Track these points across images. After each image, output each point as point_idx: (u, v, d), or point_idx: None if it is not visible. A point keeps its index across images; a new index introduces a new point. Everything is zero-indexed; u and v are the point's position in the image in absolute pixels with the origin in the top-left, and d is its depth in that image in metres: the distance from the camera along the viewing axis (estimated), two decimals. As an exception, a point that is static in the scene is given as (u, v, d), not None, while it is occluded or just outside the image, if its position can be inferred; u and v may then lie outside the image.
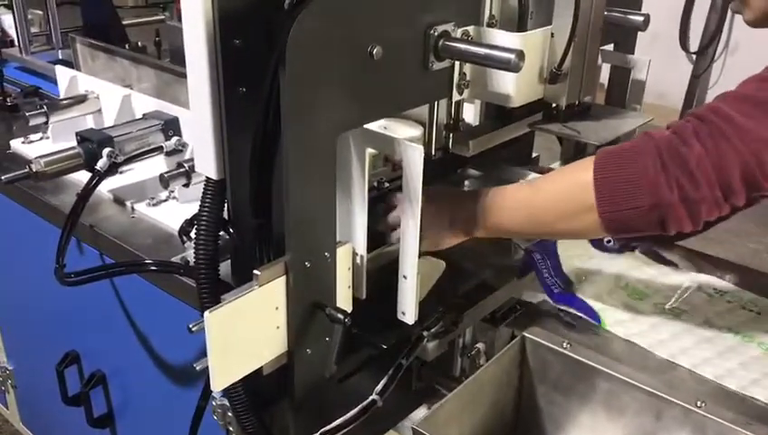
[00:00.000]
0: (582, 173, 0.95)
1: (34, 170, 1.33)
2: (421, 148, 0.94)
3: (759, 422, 0.93)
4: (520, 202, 1.02)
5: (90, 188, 1.33)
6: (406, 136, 1.36)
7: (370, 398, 1.01)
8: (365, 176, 1.00)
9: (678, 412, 0.95)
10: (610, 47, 1.49)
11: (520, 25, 1.09)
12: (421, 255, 1.15)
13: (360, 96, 0.94)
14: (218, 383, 0.92)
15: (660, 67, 4.81)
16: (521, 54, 0.95)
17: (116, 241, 1.32)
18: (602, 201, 0.91)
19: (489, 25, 1.08)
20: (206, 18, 0.92)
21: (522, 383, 1.09)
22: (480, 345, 1.31)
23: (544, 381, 1.07)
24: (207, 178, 1.02)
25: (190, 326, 0.91)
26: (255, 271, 0.93)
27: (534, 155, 1.64)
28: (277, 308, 0.96)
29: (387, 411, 1.09)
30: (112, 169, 1.38)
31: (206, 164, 1.00)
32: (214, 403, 1.16)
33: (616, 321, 1.15)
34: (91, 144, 1.37)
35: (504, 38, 1.04)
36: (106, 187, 1.50)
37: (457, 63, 1.07)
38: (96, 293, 1.39)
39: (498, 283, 1.19)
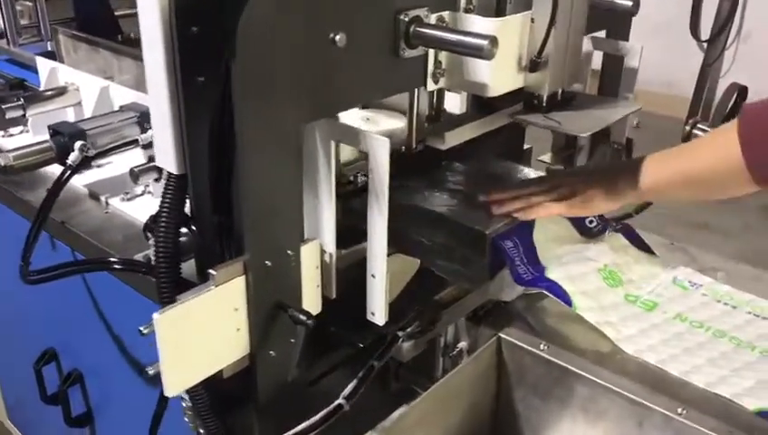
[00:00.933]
0: (730, 133, 0.97)
1: (3, 164, 1.29)
2: (387, 141, 0.89)
3: (740, 430, 0.88)
4: (675, 169, 1.05)
5: (60, 183, 1.29)
6: (388, 127, 1.31)
7: (336, 402, 0.96)
8: (332, 170, 0.95)
9: (659, 419, 0.90)
10: (603, 34, 1.44)
11: (498, 11, 1.04)
12: (392, 253, 1.11)
13: (324, 86, 0.89)
14: (171, 389, 0.88)
15: (670, 56, 4.72)
16: (494, 41, 0.90)
17: (85, 237, 1.28)
18: (751, 156, 0.94)
19: (466, 11, 1.03)
20: (162, 3, 0.87)
21: (499, 386, 1.04)
22: (462, 345, 1.26)
23: (522, 385, 1.02)
24: (169, 173, 0.97)
25: (141, 329, 0.86)
26: (211, 270, 0.88)
27: (527, 147, 1.59)
28: (236, 309, 0.91)
29: (365, 413, 1.04)
30: (85, 162, 1.34)
31: (166, 158, 0.96)
32: (184, 404, 1.12)
33: (588, 306, 1.10)
34: (63, 137, 1.33)
35: (480, 24, 0.99)
36: (82, 181, 1.47)
37: (432, 51, 1.02)
38: (70, 290, 1.36)
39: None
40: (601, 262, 1.18)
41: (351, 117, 1.48)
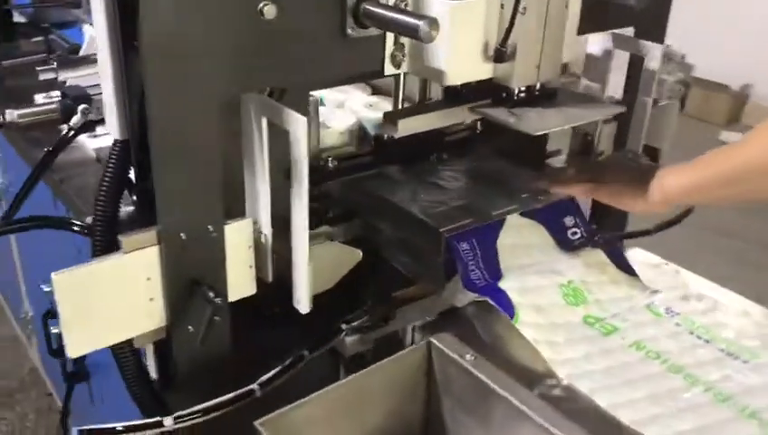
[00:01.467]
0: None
1: (7, 120, 1.34)
2: (304, 119, 0.85)
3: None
4: (706, 172, 1.00)
5: (60, 143, 1.33)
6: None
7: (249, 387, 0.93)
8: (264, 148, 0.92)
9: None
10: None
11: (468, -6, 0.97)
12: (333, 239, 1.07)
13: (251, 58, 0.86)
14: (73, 350, 0.88)
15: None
16: (432, 22, 0.83)
17: (72, 196, 1.32)
18: None
19: (431, -9, 0.96)
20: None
21: (429, 394, 0.97)
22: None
23: (449, 395, 0.95)
24: (115, 139, 0.98)
25: (43, 287, 0.87)
26: (120, 236, 0.88)
27: (556, 148, 1.47)
28: (149, 279, 0.90)
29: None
30: (88, 126, 1.38)
31: (111, 122, 0.96)
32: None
33: (532, 322, 1.00)
34: (68, 100, 1.37)
35: (436, 6, 0.92)
36: (93, 145, 1.51)
37: (391, 33, 0.96)
38: (59, 247, 1.40)
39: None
40: (567, 277, 1.09)
41: (356, 103, 1.45)
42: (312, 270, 0.93)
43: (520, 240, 1.09)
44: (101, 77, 0.94)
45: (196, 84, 0.83)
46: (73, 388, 1.65)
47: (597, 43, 1.31)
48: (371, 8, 0.89)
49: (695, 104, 4.78)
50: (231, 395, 0.92)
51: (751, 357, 0.99)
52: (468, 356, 0.92)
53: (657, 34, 1.32)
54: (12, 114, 1.35)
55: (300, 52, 0.90)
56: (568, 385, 0.91)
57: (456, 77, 0.96)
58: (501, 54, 0.95)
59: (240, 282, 0.98)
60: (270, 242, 0.98)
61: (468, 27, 0.93)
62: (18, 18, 2.45)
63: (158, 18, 0.78)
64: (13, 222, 1.14)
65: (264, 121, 0.90)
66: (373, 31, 0.93)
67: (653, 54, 1.23)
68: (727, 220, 3.43)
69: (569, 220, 1.17)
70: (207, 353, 0.97)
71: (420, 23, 0.83)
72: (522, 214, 1.12)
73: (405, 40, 0.97)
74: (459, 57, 0.94)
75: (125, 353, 1.00)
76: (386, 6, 0.89)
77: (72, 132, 1.36)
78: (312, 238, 1.01)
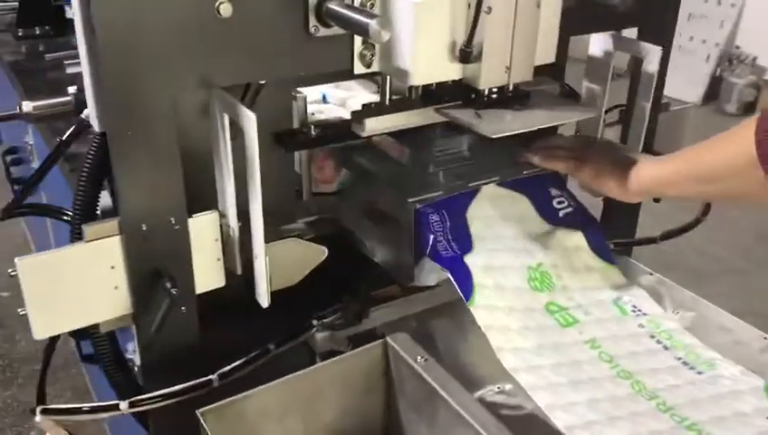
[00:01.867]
0: (744, 131, 0.91)
1: (24, 111, 1.41)
2: (254, 116, 0.86)
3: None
4: (681, 166, 1.01)
5: (72, 135, 1.39)
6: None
7: (208, 377, 0.96)
8: (227, 142, 0.94)
9: None
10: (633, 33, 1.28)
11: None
12: (299, 236, 1.08)
13: (208, 58, 0.88)
14: (39, 332, 0.92)
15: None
16: (383, 22, 0.84)
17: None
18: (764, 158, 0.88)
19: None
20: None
21: (388, 394, 0.97)
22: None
23: (404, 395, 0.95)
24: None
25: (9, 271, 0.91)
26: (84, 225, 0.91)
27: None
28: (113, 268, 0.93)
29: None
30: (99, 119, 1.43)
31: (92, 114, 1.00)
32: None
33: (488, 305, 0.97)
34: (82, 93, 1.43)
35: (401, 4, 0.92)
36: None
37: (358, 31, 0.96)
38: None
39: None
40: (537, 259, 1.05)
41: (359, 101, 1.45)
42: (269, 265, 0.95)
43: (498, 211, 1.07)
44: (83, 69, 0.98)
45: (153, 78, 0.85)
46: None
47: (597, 44, 1.28)
48: (333, 7, 0.90)
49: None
50: (189, 384, 0.95)
51: (707, 368, 0.95)
52: (419, 358, 0.92)
53: (664, 36, 1.27)
54: (28, 105, 1.42)
55: (261, 50, 0.91)
56: (511, 390, 0.90)
57: (421, 77, 0.95)
58: (466, 55, 0.94)
59: (208, 274, 1.00)
60: (237, 235, 1.00)
61: (434, 26, 0.92)
62: (71, 14, 2.57)
63: (112, 10, 0.81)
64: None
65: (226, 117, 0.92)
66: (338, 30, 0.94)
67: (652, 57, 1.18)
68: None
69: (554, 191, 1.15)
70: (174, 343, 1.00)
71: (371, 22, 0.83)
72: (504, 185, 1.11)
73: (374, 39, 0.98)
74: (425, 57, 0.94)
75: (101, 340, 1.05)
76: (345, 5, 0.90)
77: (84, 124, 1.42)
78: (282, 234, 1.03)
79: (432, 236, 1.02)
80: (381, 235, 1.12)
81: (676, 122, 1.37)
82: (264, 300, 0.98)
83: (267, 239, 0.95)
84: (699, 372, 0.95)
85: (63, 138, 1.38)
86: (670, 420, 0.87)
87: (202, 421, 0.84)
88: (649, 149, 1.30)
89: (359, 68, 0.99)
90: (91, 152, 1.01)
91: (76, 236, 1.02)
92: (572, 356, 0.95)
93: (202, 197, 0.97)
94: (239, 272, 1.02)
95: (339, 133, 1.14)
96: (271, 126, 1.09)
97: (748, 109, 4.63)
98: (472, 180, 1.11)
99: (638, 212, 1.43)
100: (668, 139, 1.33)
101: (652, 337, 1.00)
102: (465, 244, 1.04)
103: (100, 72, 0.84)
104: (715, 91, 4.77)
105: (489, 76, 0.96)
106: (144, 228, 0.92)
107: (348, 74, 1.00)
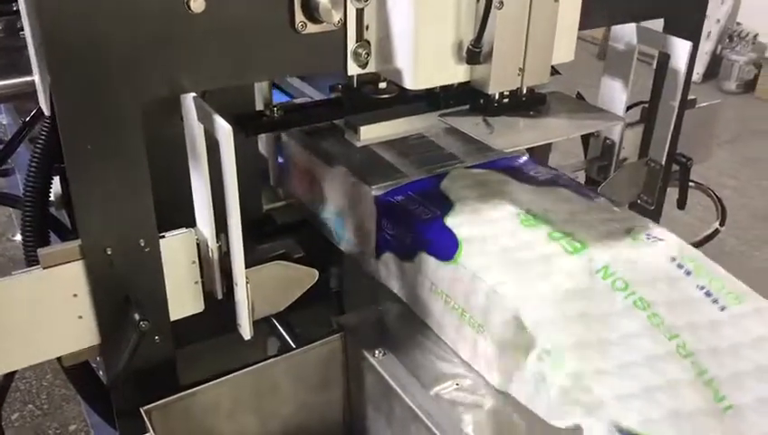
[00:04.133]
0: None
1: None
2: (229, 128, 0.75)
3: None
4: None
5: (34, 117, 1.29)
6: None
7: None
8: (203, 155, 0.83)
9: None
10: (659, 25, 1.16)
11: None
12: (291, 259, 0.98)
13: (176, 60, 0.77)
14: (-8, 368, 0.82)
15: None
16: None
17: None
18: None
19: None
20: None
21: (349, 387, 0.91)
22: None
23: (363, 390, 0.88)
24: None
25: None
26: (40, 250, 0.81)
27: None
28: (76, 295, 0.83)
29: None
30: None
31: (40, 99, 0.88)
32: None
33: (478, 251, 0.85)
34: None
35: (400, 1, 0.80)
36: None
37: (352, 28, 0.85)
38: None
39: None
40: (525, 207, 0.92)
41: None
42: (251, 291, 0.84)
43: (476, 180, 0.98)
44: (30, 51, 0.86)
45: (112, 81, 0.74)
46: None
47: (621, 36, 1.16)
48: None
49: (766, 86, 4.43)
50: None
51: (732, 303, 0.82)
52: (378, 352, 0.86)
53: (692, 28, 1.15)
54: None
55: (240, 50, 0.80)
56: (470, 386, 0.82)
57: (423, 80, 0.84)
58: (474, 55, 0.82)
59: (184, 299, 0.90)
60: (217, 256, 0.89)
61: (438, 22, 0.81)
62: None
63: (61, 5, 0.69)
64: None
65: (201, 127, 0.81)
66: (329, 26, 0.82)
67: (680, 53, 1.07)
68: None
69: (529, 166, 1.04)
70: (148, 373, 0.90)
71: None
72: (475, 167, 1.02)
73: (370, 37, 0.86)
74: (427, 57, 0.82)
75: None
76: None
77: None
78: (267, 255, 0.93)
79: (400, 211, 0.93)
80: (347, 222, 1.02)
81: (701, 120, 1.25)
82: (245, 332, 0.87)
83: (248, 262, 0.85)
84: (722, 308, 0.82)
85: (27, 119, 1.29)
86: (691, 369, 0.75)
87: (146, 419, 0.77)
88: (674, 151, 1.19)
89: (353, 69, 0.87)
90: (41, 137, 0.92)
91: (28, 225, 0.94)
92: (580, 286, 0.81)
93: (174, 214, 0.87)
94: (220, 296, 0.92)
95: (304, 116, 1.04)
96: (232, 108, 0.98)
97: (748, 87, 4.51)
98: (438, 165, 1.01)
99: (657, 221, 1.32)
100: (694, 139, 1.22)
101: (673, 260, 0.86)
102: (444, 205, 0.93)
103: (50, 74, 0.72)
104: (714, 68, 4.63)
105: (500, 79, 0.84)
106: (109, 252, 0.81)
107: (341, 75, 0.89)
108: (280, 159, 1.18)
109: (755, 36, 4.58)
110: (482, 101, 0.87)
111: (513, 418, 0.79)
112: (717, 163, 3.47)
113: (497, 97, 0.88)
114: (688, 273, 0.85)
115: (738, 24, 4.69)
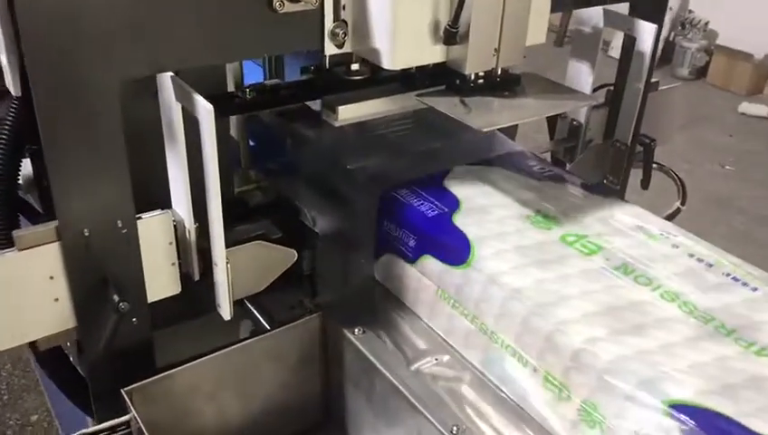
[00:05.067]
0: None
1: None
2: (211, 108, 0.75)
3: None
4: None
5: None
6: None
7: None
8: (180, 136, 0.83)
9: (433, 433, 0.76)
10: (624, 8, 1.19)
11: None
12: (267, 239, 0.98)
13: (155, 37, 0.76)
14: (-35, 354, 0.81)
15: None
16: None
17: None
18: None
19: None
20: None
21: (327, 368, 0.93)
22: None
23: (342, 368, 0.90)
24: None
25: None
26: (15, 232, 0.79)
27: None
28: (52, 278, 0.82)
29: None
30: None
31: (7, 79, 0.86)
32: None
33: (493, 253, 0.86)
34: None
35: (379, -21, 0.81)
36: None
37: (330, 7, 0.85)
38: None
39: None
40: (534, 208, 0.94)
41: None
42: (231, 271, 0.84)
43: (479, 177, 0.99)
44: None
45: (88, 61, 0.73)
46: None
47: (587, 19, 1.18)
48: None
49: (717, 73, 4.57)
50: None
51: (763, 284, 0.83)
52: (357, 330, 0.88)
53: (656, 11, 1.18)
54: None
55: (218, 28, 0.79)
56: (448, 361, 0.85)
57: (400, 60, 0.85)
58: (451, 35, 0.84)
59: (161, 281, 0.89)
60: (194, 237, 0.89)
61: (416, 3, 0.82)
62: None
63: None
64: None
65: (179, 107, 0.81)
66: (306, 5, 0.82)
67: (646, 35, 1.09)
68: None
69: (531, 162, 1.07)
70: (125, 355, 0.89)
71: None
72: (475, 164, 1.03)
73: (347, 17, 0.87)
74: (405, 37, 0.83)
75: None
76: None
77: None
78: (244, 236, 0.93)
79: (404, 205, 0.93)
80: (336, 219, 1.02)
81: (663, 103, 1.29)
82: (225, 312, 0.87)
83: (227, 242, 0.85)
84: (754, 289, 0.83)
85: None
86: (735, 344, 0.75)
87: (127, 400, 0.78)
88: (638, 132, 1.22)
89: (330, 48, 0.88)
90: (8, 118, 0.90)
91: (5, 243, 0.91)
92: (600, 283, 0.82)
93: (149, 195, 0.86)
94: (197, 277, 0.92)
95: (276, 97, 1.03)
96: (204, 89, 0.98)
97: (700, 73, 4.64)
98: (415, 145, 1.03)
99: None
100: (656, 121, 1.25)
101: (691, 256, 0.87)
102: (451, 202, 0.94)
103: (26, 53, 0.71)
104: (668, 55, 4.75)
105: (476, 59, 0.86)
106: (86, 233, 0.80)
107: (317, 54, 0.89)
108: (251, 142, 1.18)
109: (706, 24, 4.70)
110: (458, 81, 0.88)
111: (491, 390, 0.81)
112: (671, 147, 3.56)
113: (473, 78, 0.89)
114: (710, 265, 0.87)
115: (690, 11, 4.80)
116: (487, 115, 0.84)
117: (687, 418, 0.65)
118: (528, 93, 0.90)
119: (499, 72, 0.90)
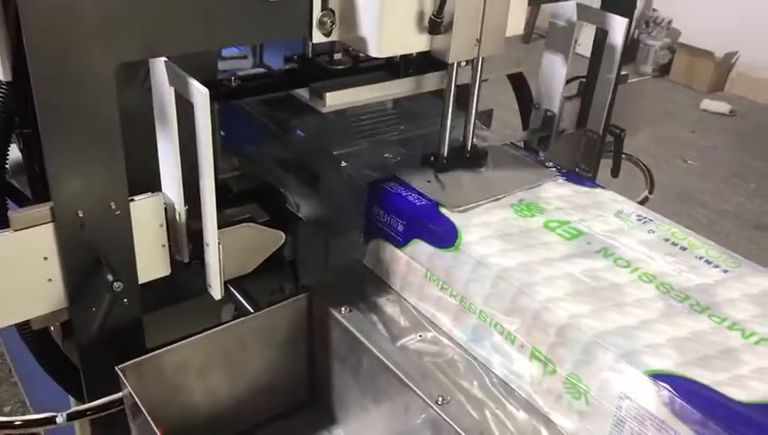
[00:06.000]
0: None
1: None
2: (206, 91, 0.77)
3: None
4: None
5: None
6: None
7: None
8: (173, 119, 0.85)
9: (419, 406, 0.79)
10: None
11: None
12: (256, 221, 1.00)
13: (151, 23, 0.78)
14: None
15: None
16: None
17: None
18: None
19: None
20: None
21: (313, 347, 0.96)
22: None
23: (328, 347, 0.93)
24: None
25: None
26: (11, 212, 0.81)
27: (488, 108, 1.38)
28: (46, 258, 0.83)
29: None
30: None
31: None
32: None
33: (478, 238, 0.90)
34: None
35: (366, -31, 0.84)
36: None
37: (318, -5, 0.88)
38: None
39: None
40: (518, 197, 0.98)
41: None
42: (222, 252, 0.87)
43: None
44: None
45: (86, 45, 0.75)
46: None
47: (562, 13, 1.23)
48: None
49: (680, 70, 4.69)
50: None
51: (734, 266, 0.89)
52: (344, 309, 0.91)
53: (626, 6, 1.23)
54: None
55: (211, 15, 0.82)
56: (432, 337, 0.89)
57: (386, 49, 0.88)
58: (435, 25, 0.87)
59: (152, 263, 0.91)
60: (184, 220, 0.91)
61: (401, -6, 0.85)
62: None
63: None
64: None
65: (172, 91, 0.83)
66: (297, -7, 0.85)
67: (617, 28, 1.14)
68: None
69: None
70: (116, 335, 0.91)
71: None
72: None
73: (334, 5, 0.89)
74: (391, 26, 0.86)
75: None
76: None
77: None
78: (233, 219, 0.95)
79: (391, 195, 0.96)
80: (324, 204, 1.06)
81: (632, 95, 1.34)
82: (216, 292, 0.90)
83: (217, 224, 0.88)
84: (725, 271, 0.88)
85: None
86: (709, 320, 0.80)
87: (122, 377, 0.80)
88: (609, 122, 1.27)
89: (318, 36, 0.90)
90: None
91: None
92: (582, 266, 0.87)
93: (141, 178, 0.88)
94: (186, 259, 0.94)
95: (262, 85, 1.06)
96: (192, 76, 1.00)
97: (664, 70, 4.76)
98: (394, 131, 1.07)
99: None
100: (625, 113, 1.31)
101: (667, 240, 0.93)
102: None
103: (25, 38, 0.72)
104: (632, 53, 4.86)
105: (459, 49, 0.90)
106: (80, 214, 0.82)
107: (300, 45, 0.92)
108: (235, 129, 1.20)
109: (670, 22, 4.81)
110: (432, 158, 0.97)
111: (478, 365, 0.85)
112: (634, 142, 3.66)
113: (446, 154, 0.97)
114: (684, 248, 0.92)
115: (654, 10, 4.91)
116: (460, 194, 0.92)
117: (668, 386, 0.70)
118: (495, 167, 0.98)
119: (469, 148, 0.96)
